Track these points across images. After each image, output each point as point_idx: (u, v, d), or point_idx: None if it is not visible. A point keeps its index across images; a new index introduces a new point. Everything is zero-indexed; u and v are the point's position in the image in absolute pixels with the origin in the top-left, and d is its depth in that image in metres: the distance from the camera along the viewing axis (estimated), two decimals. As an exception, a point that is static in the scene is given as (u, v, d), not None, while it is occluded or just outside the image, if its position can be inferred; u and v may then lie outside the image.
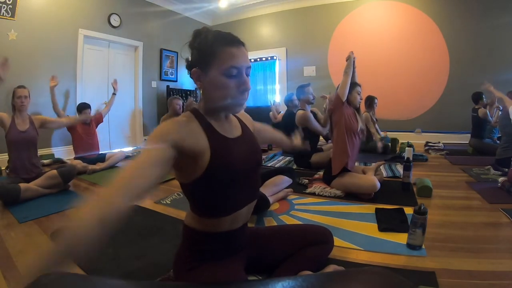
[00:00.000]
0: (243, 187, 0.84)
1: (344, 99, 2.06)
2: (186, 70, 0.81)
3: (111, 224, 0.54)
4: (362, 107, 3.34)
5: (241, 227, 0.88)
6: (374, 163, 2.67)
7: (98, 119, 3.47)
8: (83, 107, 3.18)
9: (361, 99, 2.19)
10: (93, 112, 3.39)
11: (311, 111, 2.96)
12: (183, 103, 3.64)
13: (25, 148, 2.19)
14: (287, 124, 3.03)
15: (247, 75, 0.77)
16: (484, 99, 3.68)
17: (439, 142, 4.13)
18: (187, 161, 0.73)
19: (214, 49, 0.74)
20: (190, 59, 0.80)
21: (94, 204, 0.57)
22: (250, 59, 5.87)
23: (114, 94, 3.69)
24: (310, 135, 2.90)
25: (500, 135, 3.21)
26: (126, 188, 0.59)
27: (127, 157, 3.44)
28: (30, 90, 2.27)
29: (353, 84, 2.13)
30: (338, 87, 2.11)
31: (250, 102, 5.75)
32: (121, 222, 0.56)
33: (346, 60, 2.09)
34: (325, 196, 2.03)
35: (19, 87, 2.20)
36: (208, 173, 0.74)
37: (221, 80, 0.73)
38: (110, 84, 4.46)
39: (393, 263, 1.15)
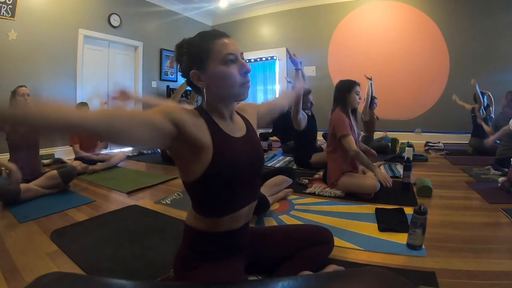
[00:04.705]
0: (244, 187, 0.84)
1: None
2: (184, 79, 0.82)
3: (72, 126, 0.55)
4: (360, 107, 3.34)
5: (242, 227, 0.88)
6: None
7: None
8: (80, 106, 3.19)
9: (359, 99, 2.11)
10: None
11: (311, 115, 2.93)
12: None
13: (26, 149, 2.18)
14: (286, 120, 2.98)
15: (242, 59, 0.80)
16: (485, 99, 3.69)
17: (439, 142, 4.12)
18: (189, 152, 0.74)
19: (206, 46, 0.76)
20: (182, 68, 0.81)
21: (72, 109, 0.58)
22: (250, 59, 5.90)
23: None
24: (310, 135, 2.90)
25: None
26: (108, 114, 0.60)
27: (127, 158, 3.43)
28: (29, 90, 2.27)
29: (353, 83, 2.05)
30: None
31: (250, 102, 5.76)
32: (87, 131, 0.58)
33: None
34: (325, 196, 2.03)
35: (20, 86, 2.20)
36: (210, 172, 0.74)
37: (222, 70, 0.75)
38: (110, 84, 4.48)
39: (393, 263, 1.15)
